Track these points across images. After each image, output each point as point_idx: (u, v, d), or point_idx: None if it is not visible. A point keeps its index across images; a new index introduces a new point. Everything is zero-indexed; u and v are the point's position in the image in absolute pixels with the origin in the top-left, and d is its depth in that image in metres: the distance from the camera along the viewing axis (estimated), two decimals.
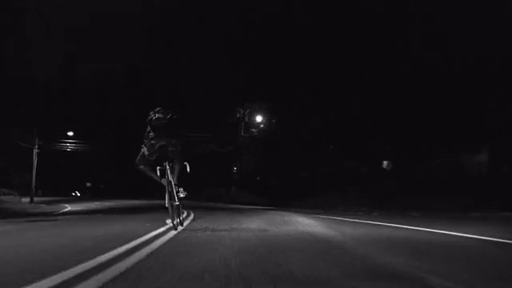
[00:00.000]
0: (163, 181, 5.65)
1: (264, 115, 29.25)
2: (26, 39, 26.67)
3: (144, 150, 5.65)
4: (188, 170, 5.83)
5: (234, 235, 4.83)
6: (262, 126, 29.60)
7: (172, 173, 5.63)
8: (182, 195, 5.65)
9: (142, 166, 5.71)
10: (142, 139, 5.75)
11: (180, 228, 5.59)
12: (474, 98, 15.17)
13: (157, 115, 5.61)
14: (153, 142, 5.59)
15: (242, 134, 30.77)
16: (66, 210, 18.97)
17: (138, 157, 5.71)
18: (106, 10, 27.17)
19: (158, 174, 5.73)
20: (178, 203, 5.56)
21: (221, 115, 32.44)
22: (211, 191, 34.13)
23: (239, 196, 29.41)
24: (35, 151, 30.61)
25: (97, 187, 59.71)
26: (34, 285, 2.11)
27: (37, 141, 30.65)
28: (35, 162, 30.86)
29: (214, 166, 35.09)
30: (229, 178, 33.70)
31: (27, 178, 33.08)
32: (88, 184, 59.13)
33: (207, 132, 32.80)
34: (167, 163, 5.64)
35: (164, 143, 5.59)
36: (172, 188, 5.55)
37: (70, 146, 34.87)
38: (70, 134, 34.00)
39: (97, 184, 60.07)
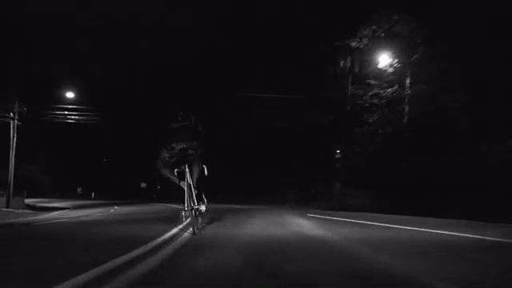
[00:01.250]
0: (182, 184, 5.59)
1: (395, 52, 16.03)
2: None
3: (164, 152, 5.63)
4: (206, 173, 5.78)
5: None
6: (390, 71, 16.42)
7: (191, 176, 5.56)
8: (203, 209, 5.67)
9: (162, 169, 5.71)
10: (161, 141, 5.65)
11: (198, 232, 5.35)
12: None
13: (177, 118, 5.65)
14: (173, 144, 5.57)
15: (351, 91, 18.69)
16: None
17: (158, 159, 5.70)
18: None
19: (177, 176, 5.66)
20: (197, 206, 5.50)
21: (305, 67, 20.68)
22: (298, 191, 22.09)
23: (348, 197, 17.35)
24: (14, 123, 19.33)
25: (153, 188, 48.57)
26: None
27: (16, 105, 19.40)
28: (14, 141, 19.64)
29: (302, 149, 22.66)
30: (328, 169, 20.12)
31: (32, 171, 24.20)
32: (143, 185, 49.23)
33: (288, 94, 20.75)
34: (186, 166, 5.56)
35: (184, 146, 5.57)
36: (191, 191, 5.50)
37: (71, 116, 21.52)
38: (70, 95, 21.29)
39: (153, 184, 48.67)
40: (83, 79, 26.45)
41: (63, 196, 46.22)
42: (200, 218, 5.93)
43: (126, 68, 28.60)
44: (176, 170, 5.67)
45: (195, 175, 5.64)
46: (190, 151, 5.60)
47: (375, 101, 17.28)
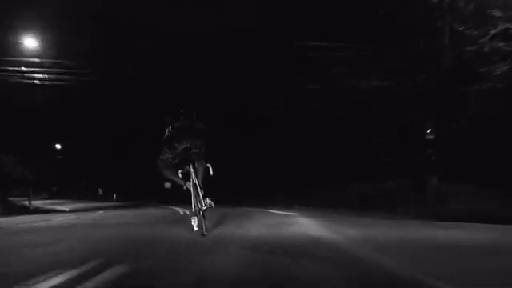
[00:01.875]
0: (188, 184, 5.40)
1: None
2: None
3: (166, 153, 5.38)
4: (211, 172, 5.48)
5: None
6: None
7: (196, 176, 5.33)
8: (210, 205, 5.28)
9: (164, 170, 5.50)
10: (162, 141, 5.39)
11: (206, 234, 5.18)
12: None
13: (179, 116, 5.44)
14: (176, 144, 5.30)
15: (448, 40, 12.26)
16: None
17: (160, 160, 5.46)
18: None
19: (181, 177, 5.51)
20: (205, 208, 5.23)
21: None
22: (368, 187, 14.81)
23: (451, 199, 10.66)
24: None
25: (179, 189, 44.64)
26: None
27: None
28: None
29: (377, 128, 15.25)
30: (415, 156, 13.15)
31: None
32: (167, 185, 44.74)
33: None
34: (191, 166, 5.36)
35: (188, 145, 5.29)
36: (198, 192, 5.26)
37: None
38: (31, 44, 14.41)
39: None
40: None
41: (80, 197, 42.70)
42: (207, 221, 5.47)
43: (126, 66, 24.34)
44: (180, 171, 5.49)
45: (200, 175, 5.37)
46: (193, 150, 5.32)
47: (500, 44, 10.73)
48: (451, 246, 4.47)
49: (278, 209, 14.14)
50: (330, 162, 18.65)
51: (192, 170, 5.29)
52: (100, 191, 46.31)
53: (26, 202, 26.26)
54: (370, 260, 3.45)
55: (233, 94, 23.31)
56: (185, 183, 5.40)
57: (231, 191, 25.19)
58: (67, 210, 21.88)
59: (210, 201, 5.29)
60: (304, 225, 7.04)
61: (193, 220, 5.29)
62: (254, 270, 2.91)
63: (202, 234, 5.04)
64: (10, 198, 23.77)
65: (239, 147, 27.21)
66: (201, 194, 5.20)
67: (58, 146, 42.75)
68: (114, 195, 44.46)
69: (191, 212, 5.31)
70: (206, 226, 5.32)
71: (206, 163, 5.43)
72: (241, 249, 4.00)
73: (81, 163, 47.01)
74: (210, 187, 5.53)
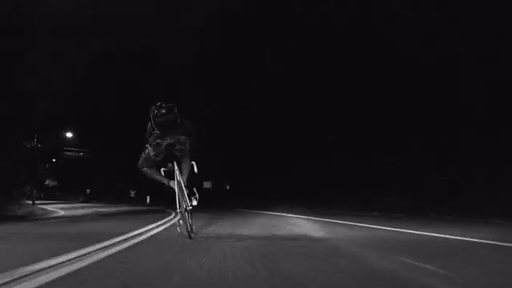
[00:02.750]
0: (172, 183, 5.13)
1: None
2: None
3: (149, 150, 5.14)
4: (196, 170, 5.19)
5: None
6: None
7: (181, 173, 5.08)
8: (194, 203, 5.06)
9: (146, 169, 5.22)
10: (145, 138, 5.22)
11: (194, 236, 5.00)
12: None
13: (161, 111, 5.11)
14: (158, 140, 5.09)
15: None
16: None
17: (142, 159, 5.21)
18: None
19: (165, 176, 5.23)
20: (190, 207, 4.98)
21: None
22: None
23: None
24: None
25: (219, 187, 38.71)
26: None
27: None
28: None
29: None
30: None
31: None
32: (207, 185, 39.69)
33: None
34: (175, 163, 5.12)
35: (171, 141, 5.08)
36: (183, 190, 4.98)
37: None
38: None
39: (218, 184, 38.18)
40: None
41: (117, 201, 39.70)
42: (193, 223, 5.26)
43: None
44: (163, 169, 5.25)
45: (185, 172, 5.10)
46: (177, 147, 5.08)
47: None
48: None
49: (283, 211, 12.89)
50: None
51: (176, 167, 5.04)
52: (132, 193, 42.56)
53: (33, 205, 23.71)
54: None
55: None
56: (168, 182, 5.11)
57: (231, 191, 24.68)
58: (62, 213, 17.06)
59: (195, 194, 4.98)
60: None
61: (178, 223, 5.01)
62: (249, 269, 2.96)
63: (189, 237, 4.81)
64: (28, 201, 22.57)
65: (240, 148, 26.29)
66: (186, 193, 4.93)
67: (69, 135, 39.40)
68: (148, 198, 40.13)
69: (179, 212, 4.92)
70: (191, 226, 5.06)
71: (191, 160, 5.16)
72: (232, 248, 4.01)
73: (113, 164, 44.06)
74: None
